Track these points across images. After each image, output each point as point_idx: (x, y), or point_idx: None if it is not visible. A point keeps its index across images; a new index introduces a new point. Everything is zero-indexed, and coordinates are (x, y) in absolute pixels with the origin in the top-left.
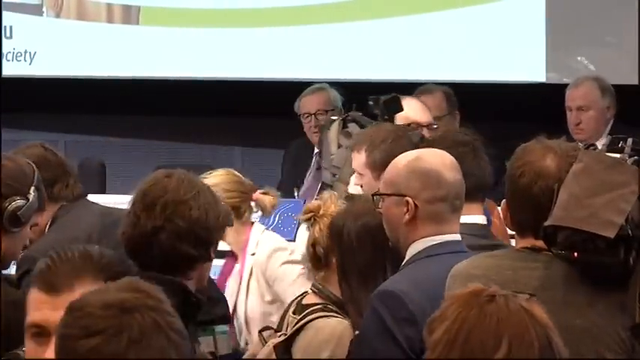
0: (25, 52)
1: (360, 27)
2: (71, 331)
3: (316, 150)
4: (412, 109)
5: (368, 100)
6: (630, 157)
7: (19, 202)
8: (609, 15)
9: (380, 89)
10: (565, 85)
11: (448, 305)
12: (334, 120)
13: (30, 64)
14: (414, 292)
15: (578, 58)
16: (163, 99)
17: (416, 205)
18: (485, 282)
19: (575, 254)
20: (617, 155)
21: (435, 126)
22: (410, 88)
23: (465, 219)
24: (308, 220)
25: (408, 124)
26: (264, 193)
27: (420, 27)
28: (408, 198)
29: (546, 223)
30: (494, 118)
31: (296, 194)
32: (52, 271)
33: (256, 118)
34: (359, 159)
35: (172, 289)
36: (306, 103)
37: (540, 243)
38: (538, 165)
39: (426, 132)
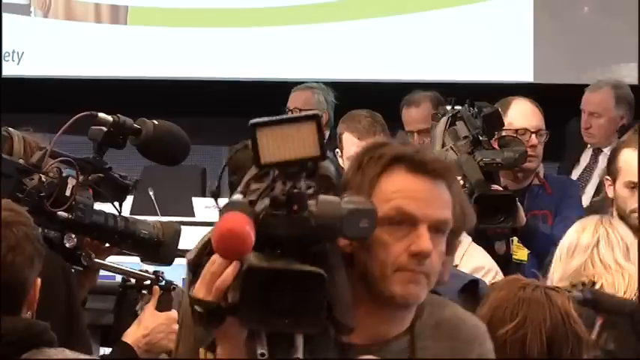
0: (13, 52)
1: (349, 27)
2: None
3: None
4: (516, 115)
5: (469, 104)
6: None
7: None
8: (604, 14)
9: (372, 89)
10: (554, 85)
11: (491, 290)
12: (444, 115)
13: (18, 64)
14: None
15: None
16: (151, 99)
17: None
18: None
19: None
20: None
21: (544, 132)
22: (402, 88)
23: None
24: None
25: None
26: None
27: (409, 27)
28: None
29: None
30: None
31: None
32: None
33: (245, 117)
34: None
35: None
36: (290, 100)
37: None
38: None
39: (534, 139)
